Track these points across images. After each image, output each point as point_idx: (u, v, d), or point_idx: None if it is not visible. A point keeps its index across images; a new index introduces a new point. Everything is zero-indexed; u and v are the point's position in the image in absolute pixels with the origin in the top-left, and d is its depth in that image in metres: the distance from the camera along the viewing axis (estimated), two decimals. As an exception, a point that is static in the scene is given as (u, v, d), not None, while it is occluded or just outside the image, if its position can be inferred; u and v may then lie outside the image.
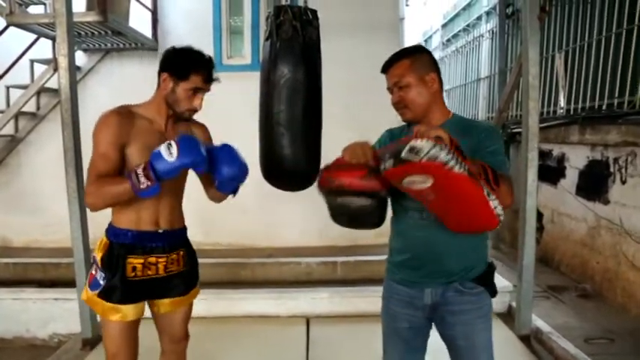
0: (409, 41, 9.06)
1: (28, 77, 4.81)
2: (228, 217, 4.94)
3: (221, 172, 1.62)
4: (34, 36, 4.65)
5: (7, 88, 4.84)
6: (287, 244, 4.95)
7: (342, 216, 1.53)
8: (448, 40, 9.03)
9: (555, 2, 5.08)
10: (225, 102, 4.86)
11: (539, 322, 3.04)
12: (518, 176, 2.89)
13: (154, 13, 5.04)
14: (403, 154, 1.21)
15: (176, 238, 1.79)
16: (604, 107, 4.09)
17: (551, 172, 4.79)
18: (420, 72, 1.49)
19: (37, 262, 4.58)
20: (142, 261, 1.69)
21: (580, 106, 4.48)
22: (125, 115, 1.65)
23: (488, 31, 6.99)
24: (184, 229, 1.86)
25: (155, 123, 1.70)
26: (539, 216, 4.91)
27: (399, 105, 1.54)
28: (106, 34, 4.52)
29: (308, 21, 2.09)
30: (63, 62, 2.69)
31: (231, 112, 4.40)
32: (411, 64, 1.50)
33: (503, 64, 6.25)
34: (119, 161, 1.61)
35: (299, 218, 4.93)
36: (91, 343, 2.85)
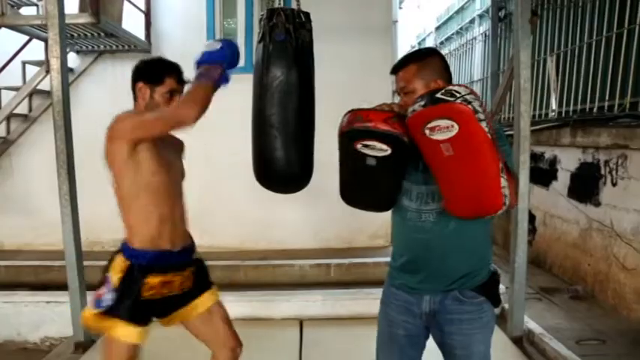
0: (402, 44, 9.11)
1: (20, 79, 4.79)
2: (223, 219, 4.94)
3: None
4: (27, 37, 4.62)
5: (-1, 89, 4.82)
6: (281, 246, 4.95)
7: (357, 174, 1.48)
8: (441, 43, 9.07)
9: (547, 6, 5.13)
10: (219, 104, 4.87)
11: (531, 324, 3.06)
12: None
13: (147, 15, 5.03)
14: (438, 94, 1.21)
15: (188, 255, 1.81)
16: (595, 110, 4.13)
17: (543, 175, 4.82)
18: (427, 78, 1.46)
19: (28, 265, 4.55)
20: (160, 280, 1.68)
21: (572, 108, 4.51)
22: None
23: (481, 34, 7.03)
24: (193, 244, 1.88)
25: None
26: (532, 218, 4.94)
27: (404, 109, 1.50)
28: (99, 35, 4.51)
29: (301, 23, 2.09)
30: (55, 64, 2.68)
31: (225, 114, 4.39)
32: (418, 69, 1.48)
33: (496, 66, 6.29)
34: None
35: (293, 220, 4.94)
36: (83, 346, 2.84)
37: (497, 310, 1.62)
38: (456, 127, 1.20)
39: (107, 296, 1.64)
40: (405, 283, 1.56)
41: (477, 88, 7.21)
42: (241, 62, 5.66)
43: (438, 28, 9.38)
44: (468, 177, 1.27)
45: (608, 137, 3.75)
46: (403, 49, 10.23)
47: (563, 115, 4.62)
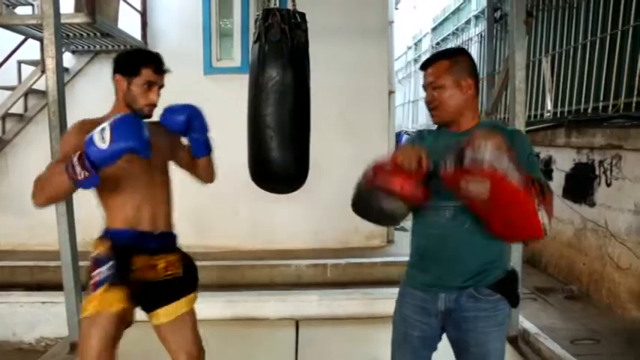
0: (399, 45, 9.13)
1: (15, 78, 4.77)
2: (220, 219, 4.94)
3: (175, 122, 1.67)
4: (22, 37, 4.61)
5: (-6, 89, 4.80)
6: (277, 246, 4.95)
7: (372, 213, 1.53)
8: (438, 44, 9.09)
9: (542, 7, 5.16)
10: (215, 104, 4.86)
11: (526, 324, 3.07)
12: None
13: (144, 14, 5.02)
14: (466, 161, 1.23)
15: (171, 241, 1.80)
16: (589, 111, 4.15)
17: (538, 175, 4.84)
18: (457, 76, 1.47)
19: (24, 265, 4.53)
20: (145, 261, 1.68)
21: (566, 109, 4.54)
22: (90, 123, 1.61)
23: (477, 35, 7.06)
24: (176, 235, 1.85)
25: None
26: (527, 218, 4.96)
27: (431, 105, 1.52)
28: (95, 35, 4.50)
29: (296, 24, 2.10)
30: (50, 64, 2.67)
31: (221, 114, 4.39)
32: (450, 66, 1.48)
33: (492, 67, 6.30)
34: None
35: (290, 221, 4.93)
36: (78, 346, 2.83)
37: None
38: (488, 184, 1.25)
39: (104, 268, 1.63)
40: (420, 281, 1.57)
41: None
42: (237, 62, 5.65)
43: (434, 29, 9.41)
44: (507, 218, 1.33)
45: (603, 138, 3.77)
46: (399, 49, 10.27)
47: (558, 115, 4.65)
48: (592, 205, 3.97)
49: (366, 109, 4.98)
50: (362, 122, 4.86)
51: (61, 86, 2.74)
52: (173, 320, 1.77)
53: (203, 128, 1.77)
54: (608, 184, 3.76)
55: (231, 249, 4.91)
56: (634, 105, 3.60)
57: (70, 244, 2.77)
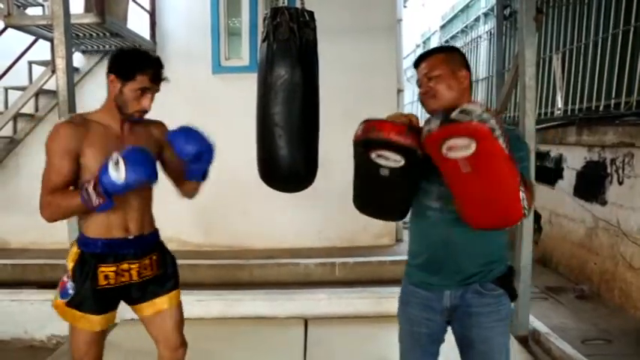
0: (407, 43, 9.09)
1: (26, 79, 4.81)
2: (228, 218, 4.95)
3: (184, 151, 1.62)
4: (33, 37, 4.65)
5: (6, 89, 4.84)
6: (286, 245, 4.95)
7: (370, 183, 1.50)
8: (446, 42, 9.04)
9: (552, 4, 5.10)
10: (223, 103, 4.88)
11: (536, 323, 3.05)
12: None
13: (152, 14, 5.04)
14: (453, 115, 1.21)
15: (147, 243, 1.78)
16: (601, 108, 4.10)
17: (549, 173, 4.79)
18: (453, 66, 1.49)
19: (35, 263, 4.57)
20: (114, 269, 1.68)
21: (577, 107, 4.49)
22: (78, 124, 1.63)
23: (486, 33, 7.00)
24: (156, 232, 1.84)
25: (111, 128, 1.67)
26: (537, 217, 4.92)
27: (427, 95, 1.51)
28: (104, 35, 4.52)
29: (305, 22, 2.09)
30: (60, 64, 2.70)
31: (229, 113, 4.41)
32: (445, 58, 1.51)
33: (501, 65, 6.26)
34: (73, 173, 1.61)
35: (298, 219, 4.93)
36: (88, 344, 2.85)
37: (512, 305, 1.60)
38: (474, 145, 1.20)
39: (68, 285, 1.68)
40: (424, 280, 1.57)
41: (482, 87, 7.19)
42: (246, 62, 5.65)
43: (443, 27, 9.35)
44: (488, 193, 1.29)
45: (615, 135, 3.72)
46: (408, 48, 10.22)
47: (569, 113, 4.60)
48: (604, 203, 3.92)
49: (375, 107, 4.92)
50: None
51: (71, 86, 2.76)
52: (154, 314, 1.80)
53: (209, 162, 1.72)
54: (620, 183, 3.71)
55: (239, 248, 4.92)
56: (646, 102, 3.55)
57: (81, 243, 2.79)
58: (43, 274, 4.46)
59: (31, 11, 4.68)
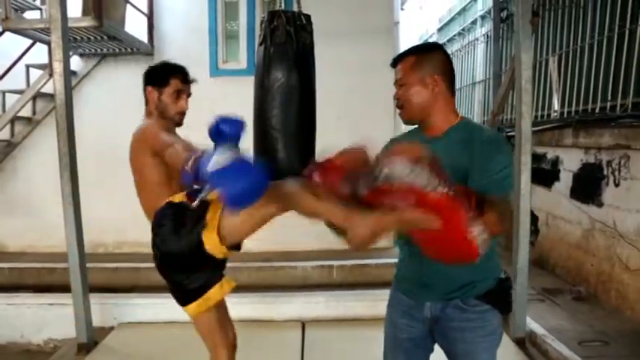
0: (405, 45, 9.10)
1: (24, 82, 4.82)
2: (225, 221, 4.95)
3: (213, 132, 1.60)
4: (30, 41, 4.65)
5: (3, 93, 4.85)
6: (283, 248, 4.95)
7: None
8: (444, 44, 9.06)
9: (549, 7, 5.13)
10: (221, 106, 4.87)
11: (533, 325, 3.05)
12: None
13: (150, 18, 5.05)
14: (379, 181, 1.15)
15: None
16: (597, 110, 4.12)
17: (545, 175, 4.81)
18: (422, 72, 1.41)
19: (32, 267, 4.57)
20: None
21: (574, 109, 4.51)
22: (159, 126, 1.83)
23: (483, 35, 7.03)
24: None
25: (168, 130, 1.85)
26: (535, 219, 4.93)
27: (397, 103, 1.48)
28: (102, 39, 4.53)
29: (302, 26, 2.10)
30: (58, 67, 2.70)
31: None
32: (416, 62, 1.43)
33: (498, 67, 6.28)
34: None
35: (295, 222, 4.92)
36: (86, 348, 2.84)
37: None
38: (404, 203, 1.14)
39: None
40: (407, 288, 1.56)
41: (479, 89, 7.21)
42: (243, 65, 5.68)
43: (440, 30, 9.38)
44: (433, 242, 1.24)
45: (611, 138, 3.74)
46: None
47: (566, 115, 4.61)
48: (600, 205, 3.94)
49: (372, 110, 4.98)
50: (368, 123, 4.85)
51: (68, 89, 2.76)
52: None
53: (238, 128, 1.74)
54: (617, 185, 3.73)
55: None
56: (642, 105, 3.57)
57: (78, 246, 2.79)
58: (40, 278, 4.46)
59: (29, 15, 4.69)
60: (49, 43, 4.35)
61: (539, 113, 5.13)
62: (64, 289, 3.05)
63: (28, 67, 4.84)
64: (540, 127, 4.70)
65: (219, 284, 1.72)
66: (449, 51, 8.60)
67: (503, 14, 6.21)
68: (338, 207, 1.27)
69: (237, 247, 1.72)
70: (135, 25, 4.83)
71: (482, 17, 7.16)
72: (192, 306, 1.72)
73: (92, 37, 4.49)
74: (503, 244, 5.38)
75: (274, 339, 3.03)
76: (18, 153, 5.17)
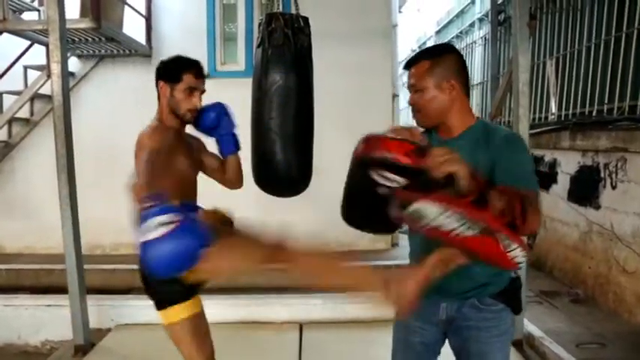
0: (403, 48, 9.13)
1: (21, 83, 4.81)
2: (223, 222, 4.95)
3: (205, 120, 1.81)
4: (28, 42, 4.65)
5: (1, 94, 4.85)
6: (281, 249, 4.95)
7: (366, 200, 1.36)
8: (442, 47, 9.09)
9: (546, 10, 5.15)
10: (219, 108, 4.88)
11: (531, 327, 3.05)
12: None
13: (148, 19, 5.06)
14: (407, 212, 1.15)
15: None
16: (594, 113, 4.14)
17: (543, 178, 4.82)
18: (439, 77, 1.39)
19: (29, 268, 4.56)
20: None
21: (571, 112, 4.52)
22: (162, 129, 1.78)
23: (481, 38, 7.06)
24: None
25: (175, 131, 1.81)
26: (532, 221, 4.93)
27: (414, 108, 1.46)
28: (100, 40, 4.53)
29: (299, 28, 2.10)
30: (55, 69, 2.70)
31: (225, 118, 4.41)
32: (431, 67, 1.40)
33: (496, 70, 6.30)
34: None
35: (293, 224, 4.93)
36: (83, 349, 2.84)
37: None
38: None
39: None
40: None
41: (476, 92, 7.22)
42: (241, 67, 5.67)
43: (438, 32, 9.40)
44: (470, 257, 1.26)
45: (608, 140, 3.75)
46: (403, 52, 10.27)
47: (563, 118, 4.63)
48: (597, 208, 3.95)
49: (370, 112, 4.98)
50: (366, 125, 4.83)
51: (66, 91, 2.76)
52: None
53: (231, 125, 1.88)
54: (614, 187, 3.74)
55: (235, 252, 4.91)
56: (639, 107, 3.58)
57: (75, 248, 2.79)
58: (37, 279, 4.45)
59: (27, 16, 4.68)
60: (47, 45, 4.34)
61: (537, 116, 5.15)
62: (62, 290, 3.05)
63: (25, 68, 4.83)
64: (538, 130, 4.72)
65: (183, 304, 1.73)
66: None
67: (501, 17, 6.23)
68: (365, 272, 1.26)
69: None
70: (133, 27, 4.83)
71: (480, 20, 7.19)
72: (160, 313, 1.76)
73: (90, 39, 4.49)
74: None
75: (272, 341, 3.03)
76: (16, 154, 5.16)
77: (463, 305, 1.46)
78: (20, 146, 5.14)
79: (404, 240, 5.12)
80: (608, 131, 3.76)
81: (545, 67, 5.04)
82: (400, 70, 6.25)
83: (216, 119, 1.83)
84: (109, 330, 3.15)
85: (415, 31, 10.56)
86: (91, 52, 4.97)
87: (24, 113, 5.00)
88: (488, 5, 6.67)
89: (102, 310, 3.19)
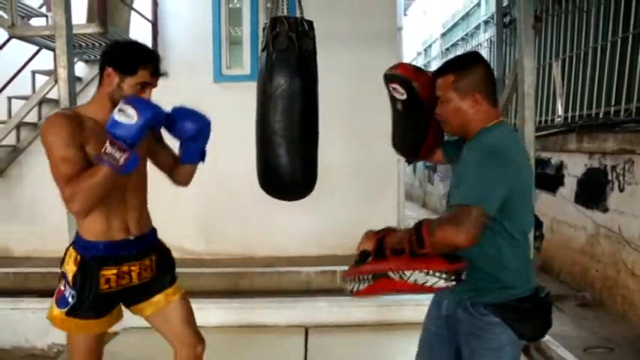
0: (408, 50, 9.12)
1: (29, 88, 4.85)
2: (229, 227, 4.95)
3: (184, 128, 1.62)
4: (36, 47, 4.69)
5: (9, 99, 4.88)
6: (286, 253, 4.95)
7: (393, 116, 1.81)
8: (447, 49, 9.07)
9: (552, 12, 5.13)
10: (225, 111, 4.90)
11: (538, 331, 3.03)
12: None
13: (155, 24, 5.08)
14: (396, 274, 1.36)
15: (147, 242, 1.76)
16: (601, 115, 4.11)
17: (550, 181, 4.79)
18: (462, 91, 1.43)
19: (36, 271, 4.58)
20: (115, 272, 1.65)
21: (578, 114, 4.50)
22: (74, 117, 1.55)
23: (487, 40, 7.04)
24: (154, 230, 1.83)
25: (101, 123, 1.52)
26: (539, 224, 4.90)
27: (439, 117, 1.52)
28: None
29: (304, 32, 2.11)
30: (62, 74, 2.72)
31: (230, 121, 4.43)
32: (456, 80, 1.43)
33: (502, 72, 6.27)
34: (84, 161, 1.50)
35: (298, 228, 4.93)
36: (89, 353, 2.84)
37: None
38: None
39: (67, 293, 1.63)
40: None
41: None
42: (247, 70, 5.68)
43: (443, 35, 9.39)
44: None
45: (615, 142, 3.73)
46: (409, 55, 10.26)
47: (569, 120, 4.61)
48: (605, 210, 3.92)
49: (376, 115, 4.96)
50: (371, 129, 4.85)
51: (73, 95, 2.78)
52: (156, 312, 1.78)
53: (206, 139, 1.72)
54: (621, 190, 3.71)
55: (240, 256, 4.92)
56: (646, 109, 3.56)
57: (82, 251, 2.80)
58: (45, 283, 4.46)
59: (34, 22, 4.73)
60: (54, 50, 4.38)
61: (544, 118, 5.12)
62: (68, 294, 3.06)
63: (33, 73, 4.87)
64: (544, 132, 4.69)
65: (80, 320, 1.64)
66: (452, 56, 8.64)
67: (506, 19, 6.21)
68: None
69: None
70: (139, 32, 4.86)
71: (486, 22, 7.17)
72: (57, 312, 1.67)
73: (97, 44, 4.52)
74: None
75: (277, 344, 3.03)
76: (24, 158, 5.19)
77: (458, 306, 1.49)
78: (28, 150, 5.17)
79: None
80: (615, 133, 3.73)
81: (552, 69, 5.02)
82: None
83: (196, 132, 1.65)
84: (116, 333, 3.16)
85: (421, 33, 10.55)
86: (98, 57, 5.00)
87: (32, 118, 5.04)
88: (493, 8, 6.65)
89: (108, 314, 3.20)
